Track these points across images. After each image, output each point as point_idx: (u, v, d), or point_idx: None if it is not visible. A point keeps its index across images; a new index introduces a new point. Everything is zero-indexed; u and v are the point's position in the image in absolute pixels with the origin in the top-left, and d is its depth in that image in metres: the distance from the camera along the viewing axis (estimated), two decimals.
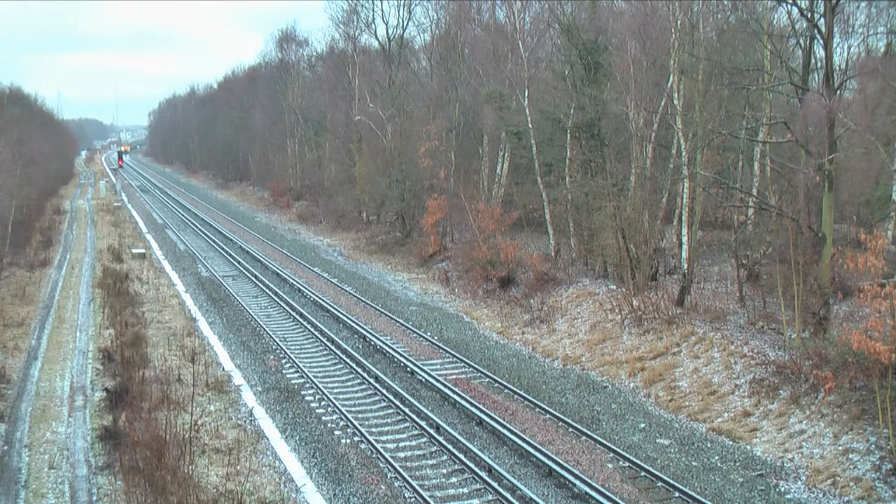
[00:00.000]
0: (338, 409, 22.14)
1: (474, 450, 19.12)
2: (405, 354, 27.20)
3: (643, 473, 18.19)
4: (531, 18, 43.18)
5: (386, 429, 21.16)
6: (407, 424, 21.41)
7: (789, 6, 25.71)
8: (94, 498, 16.65)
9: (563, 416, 21.59)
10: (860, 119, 22.73)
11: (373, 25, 59.80)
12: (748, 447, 19.67)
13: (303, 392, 23.93)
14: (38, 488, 17.10)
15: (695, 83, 28.50)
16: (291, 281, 40.09)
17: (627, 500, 16.88)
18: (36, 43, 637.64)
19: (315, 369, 25.95)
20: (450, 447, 19.41)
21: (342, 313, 33.02)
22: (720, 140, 29.28)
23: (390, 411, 22.38)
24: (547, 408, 22.29)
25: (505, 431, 20.33)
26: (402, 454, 19.44)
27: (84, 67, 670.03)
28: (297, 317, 32.67)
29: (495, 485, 17.44)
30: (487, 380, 25.11)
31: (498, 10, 49.12)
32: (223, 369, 25.63)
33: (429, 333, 30.41)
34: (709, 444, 20.03)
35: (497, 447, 19.93)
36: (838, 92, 23.90)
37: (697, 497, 16.80)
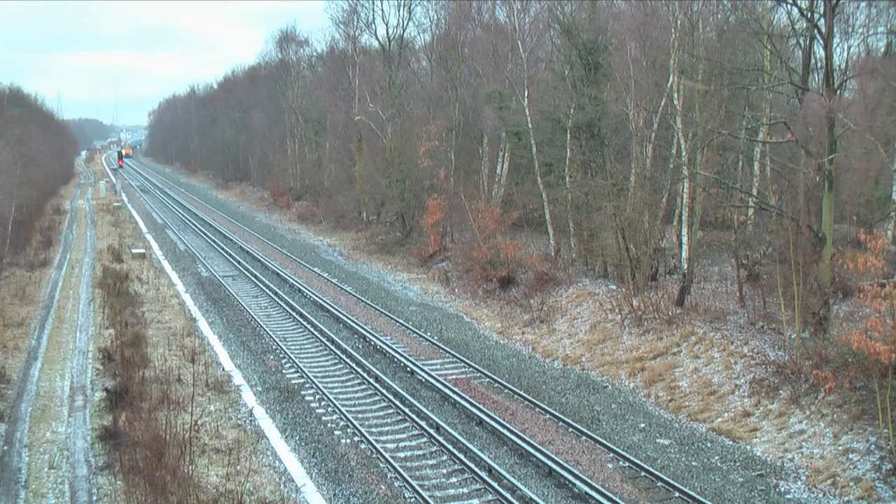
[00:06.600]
0: (338, 409, 22.14)
1: (474, 450, 19.12)
2: (405, 354, 27.20)
3: (643, 473, 18.19)
4: (531, 18, 43.23)
5: (386, 429, 21.16)
6: (407, 424, 21.41)
7: (789, 6, 25.72)
8: (94, 498, 16.65)
9: (563, 416, 21.60)
10: (860, 119, 22.68)
11: (373, 25, 60.01)
12: (748, 447, 19.68)
13: (303, 392, 23.93)
14: (38, 488, 17.10)
15: (695, 83, 28.48)
16: (291, 281, 40.09)
17: (627, 500, 16.88)
18: (36, 42, 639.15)
19: (315, 369, 25.95)
20: (450, 447, 19.41)
21: (342, 313, 33.01)
22: (720, 140, 29.27)
23: (390, 411, 22.38)
24: (547, 408, 22.29)
25: (505, 431, 20.33)
26: (402, 454, 19.44)
27: (84, 67, 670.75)
28: (297, 317, 32.66)
29: (495, 485, 17.44)
30: (487, 380, 25.11)
31: (498, 10, 49.10)
32: (223, 369, 25.62)
33: (429, 333, 30.41)
34: (709, 444, 20.03)
35: (497, 447, 19.93)
36: (838, 92, 23.88)
37: (697, 497, 16.80)
